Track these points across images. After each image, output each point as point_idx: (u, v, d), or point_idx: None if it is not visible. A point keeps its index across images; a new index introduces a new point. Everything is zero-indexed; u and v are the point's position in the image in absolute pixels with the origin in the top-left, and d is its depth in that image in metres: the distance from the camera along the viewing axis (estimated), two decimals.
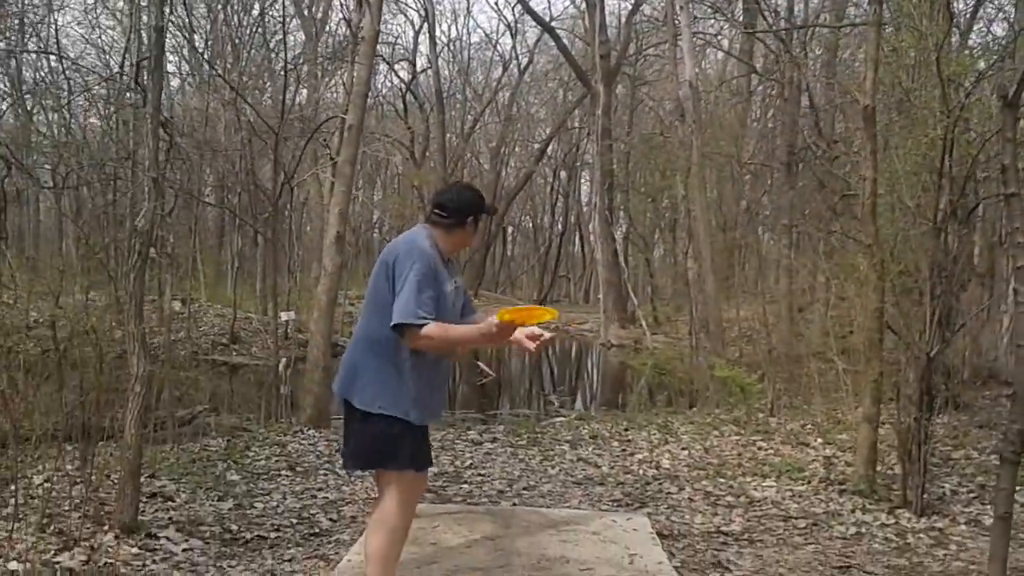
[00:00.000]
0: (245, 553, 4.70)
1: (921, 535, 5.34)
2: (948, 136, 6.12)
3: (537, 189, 42.70)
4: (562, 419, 9.92)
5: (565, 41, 31.10)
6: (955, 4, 11.01)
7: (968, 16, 12.56)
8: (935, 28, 6.27)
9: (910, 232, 6.53)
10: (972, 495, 6.33)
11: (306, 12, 27.23)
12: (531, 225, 44.50)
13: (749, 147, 21.58)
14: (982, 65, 8.22)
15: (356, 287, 29.88)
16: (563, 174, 39.04)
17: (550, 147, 36.86)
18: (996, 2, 13.37)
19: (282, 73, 26.60)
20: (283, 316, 15.48)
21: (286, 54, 14.70)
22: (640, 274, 28.29)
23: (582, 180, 38.24)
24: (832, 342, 9.66)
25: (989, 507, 5.54)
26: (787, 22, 17.45)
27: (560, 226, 39.13)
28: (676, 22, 13.47)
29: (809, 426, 8.85)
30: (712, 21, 22.51)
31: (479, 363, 17.06)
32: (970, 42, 12.41)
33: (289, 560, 4.59)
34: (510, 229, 44.21)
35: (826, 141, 15.61)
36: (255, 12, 25.03)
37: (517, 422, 9.84)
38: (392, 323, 3.19)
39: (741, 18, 20.01)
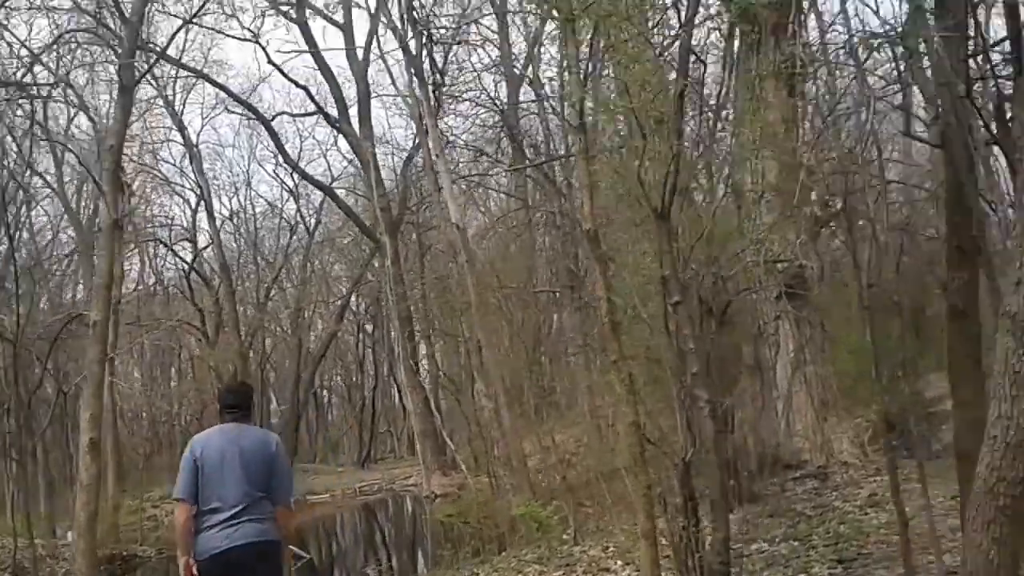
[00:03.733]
0: None
1: None
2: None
3: (348, 347, 42.03)
4: None
5: (350, 198, 31.38)
6: None
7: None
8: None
9: (652, 343, 6.73)
10: None
11: (73, 206, 26.26)
12: (344, 385, 43.56)
13: (539, 273, 22.19)
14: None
15: (159, 487, 27.70)
16: (369, 327, 38.72)
17: (353, 302, 36.59)
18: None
19: (54, 273, 25.27)
20: (69, 536, 14.15)
21: (15, 258, 13.69)
22: (456, 416, 28.01)
23: (389, 330, 38.02)
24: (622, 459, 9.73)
25: None
26: (546, 155, 18.37)
27: (372, 380, 38.48)
28: (434, 169, 13.85)
29: (611, 548, 8.75)
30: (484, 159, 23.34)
31: (291, 547, 16.07)
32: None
33: None
34: (325, 393, 43.09)
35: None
36: None
37: None
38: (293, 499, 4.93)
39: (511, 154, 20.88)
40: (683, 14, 8.15)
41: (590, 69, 6.80)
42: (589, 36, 6.33)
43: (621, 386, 6.33)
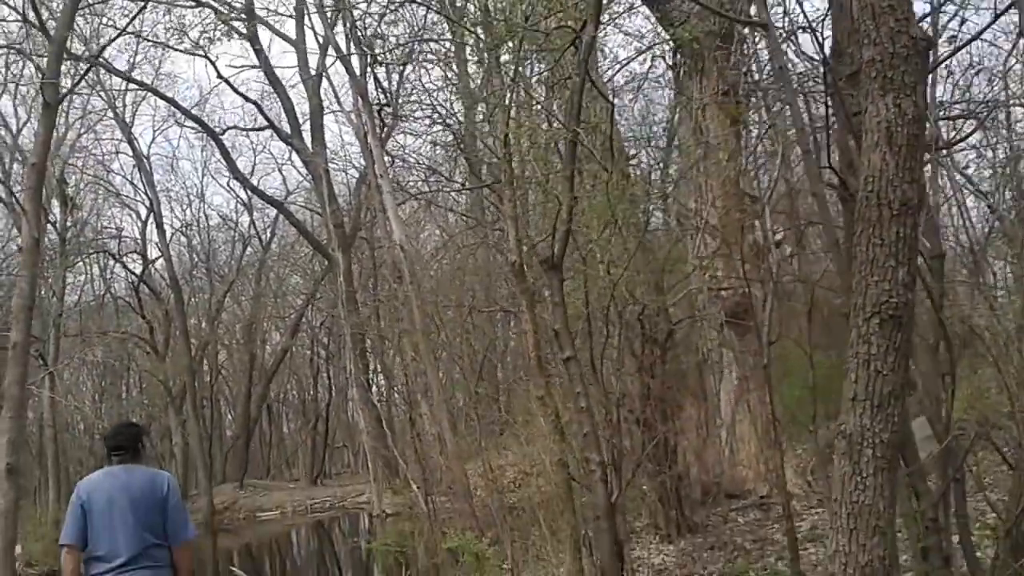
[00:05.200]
0: None
1: None
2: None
3: (304, 360, 41.50)
4: None
5: (305, 213, 31.01)
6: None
7: None
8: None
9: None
10: None
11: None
12: (298, 399, 42.98)
13: (495, 292, 21.96)
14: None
15: None
16: (325, 340, 38.28)
17: (309, 315, 36.14)
18: None
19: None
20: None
21: None
22: (408, 434, 27.70)
23: (344, 345, 37.54)
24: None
25: None
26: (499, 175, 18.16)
27: (327, 395, 38.00)
28: (379, 187, 13.68)
29: None
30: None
31: (233, 567, 15.80)
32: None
33: None
34: (277, 407, 42.46)
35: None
36: None
37: None
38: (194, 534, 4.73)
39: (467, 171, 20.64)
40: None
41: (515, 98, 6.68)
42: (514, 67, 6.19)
43: (547, 423, 6.19)
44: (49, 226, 22.60)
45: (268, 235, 34.64)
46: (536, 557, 9.67)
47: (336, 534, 24.47)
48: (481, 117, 16.57)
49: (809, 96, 6.41)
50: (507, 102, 6.05)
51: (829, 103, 4.14)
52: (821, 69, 4.06)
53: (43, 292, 24.80)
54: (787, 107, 10.40)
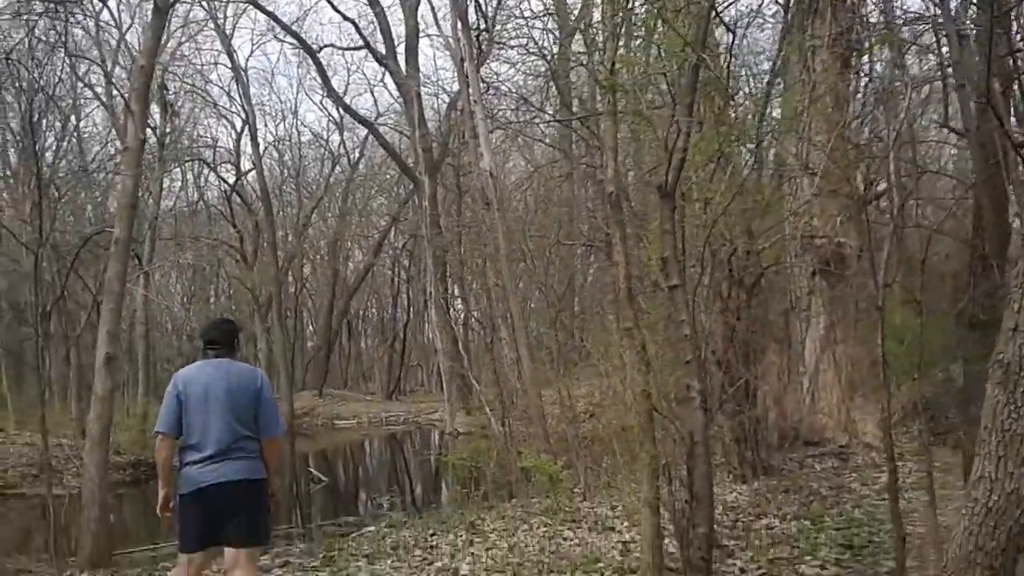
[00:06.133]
0: None
1: None
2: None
3: (385, 280, 42.37)
4: (370, 529, 9.46)
5: (393, 135, 31.25)
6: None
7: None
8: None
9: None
10: (761, 572, 6.27)
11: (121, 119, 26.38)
12: (378, 316, 43.93)
13: (577, 226, 21.95)
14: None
15: None
16: (406, 262, 38.90)
17: (392, 236, 36.74)
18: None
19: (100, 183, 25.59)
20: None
21: (39, 166, 13.79)
22: (484, 358, 28.12)
23: (424, 268, 38.13)
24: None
25: None
26: (592, 109, 17.96)
27: (406, 315, 38.74)
28: (472, 115, 13.68)
29: (619, 508, 8.73)
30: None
31: (311, 469, 16.42)
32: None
33: None
34: (357, 323, 43.43)
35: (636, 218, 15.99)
36: None
37: (324, 536, 9.34)
38: (283, 429, 5.01)
39: (558, 103, 20.48)
40: None
41: (625, 27, 6.53)
42: None
43: (633, 354, 6.21)
44: (148, 130, 23.20)
45: (357, 155, 35.12)
46: (608, 484, 9.87)
47: (408, 447, 25.15)
48: (577, 47, 16.33)
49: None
50: (618, 29, 5.95)
51: (982, 40, 3.98)
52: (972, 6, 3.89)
53: (141, 195, 25.62)
54: (902, 50, 10.05)
